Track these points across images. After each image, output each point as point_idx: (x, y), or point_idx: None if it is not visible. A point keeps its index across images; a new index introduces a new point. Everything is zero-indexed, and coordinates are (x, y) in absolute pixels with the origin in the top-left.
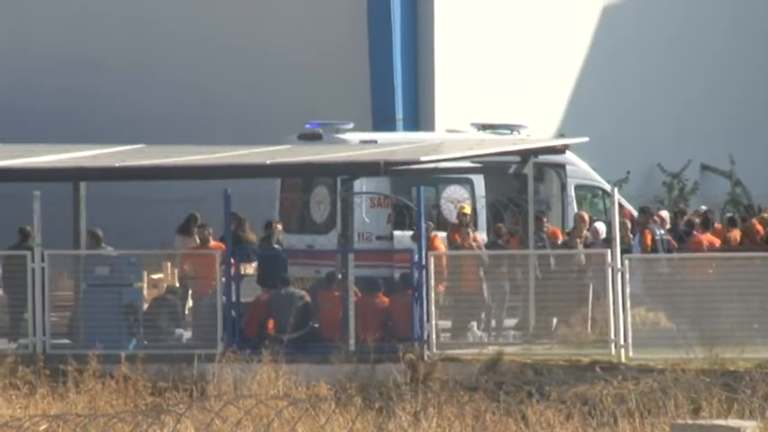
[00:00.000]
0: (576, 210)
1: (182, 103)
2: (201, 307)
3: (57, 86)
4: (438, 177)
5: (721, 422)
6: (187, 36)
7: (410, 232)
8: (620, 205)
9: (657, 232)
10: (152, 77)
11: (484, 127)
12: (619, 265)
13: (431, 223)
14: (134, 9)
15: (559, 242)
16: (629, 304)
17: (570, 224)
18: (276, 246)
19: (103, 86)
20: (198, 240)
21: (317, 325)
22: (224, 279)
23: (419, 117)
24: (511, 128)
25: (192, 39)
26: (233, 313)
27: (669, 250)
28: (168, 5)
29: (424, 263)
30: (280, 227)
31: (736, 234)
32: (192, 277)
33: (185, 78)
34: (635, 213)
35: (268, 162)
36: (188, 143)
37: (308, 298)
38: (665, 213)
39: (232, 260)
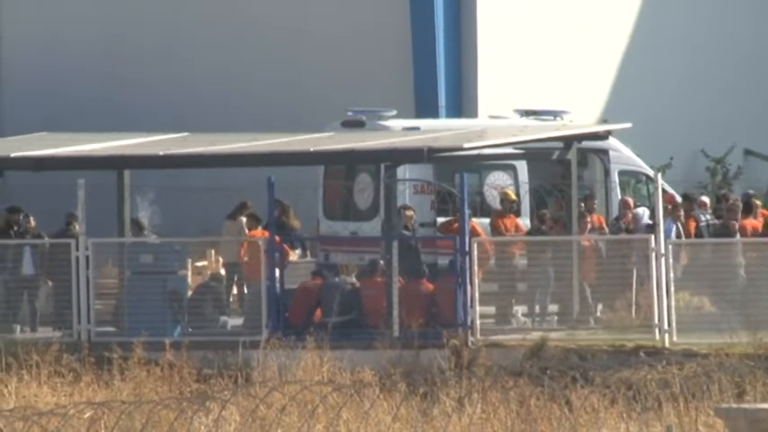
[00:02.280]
0: (619, 195)
1: (224, 92)
2: (247, 294)
3: (98, 75)
4: (481, 164)
5: (766, 405)
6: (229, 24)
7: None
8: (665, 191)
9: (702, 218)
10: (193, 66)
11: (527, 113)
12: (662, 250)
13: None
14: None
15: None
16: (672, 289)
17: (614, 210)
18: (405, 231)
19: (146, 75)
20: (246, 228)
21: (360, 312)
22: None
23: (462, 103)
24: (554, 114)
25: (234, 27)
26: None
27: (716, 235)
28: None
29: (467, 249)
30: (411, 213)
31: None
32: (237, 264)
33: (228, 67)
34: (678, 198)
35: (311, 149)
36: (231, 131)
37: (358, 285)
38: (705, 199)
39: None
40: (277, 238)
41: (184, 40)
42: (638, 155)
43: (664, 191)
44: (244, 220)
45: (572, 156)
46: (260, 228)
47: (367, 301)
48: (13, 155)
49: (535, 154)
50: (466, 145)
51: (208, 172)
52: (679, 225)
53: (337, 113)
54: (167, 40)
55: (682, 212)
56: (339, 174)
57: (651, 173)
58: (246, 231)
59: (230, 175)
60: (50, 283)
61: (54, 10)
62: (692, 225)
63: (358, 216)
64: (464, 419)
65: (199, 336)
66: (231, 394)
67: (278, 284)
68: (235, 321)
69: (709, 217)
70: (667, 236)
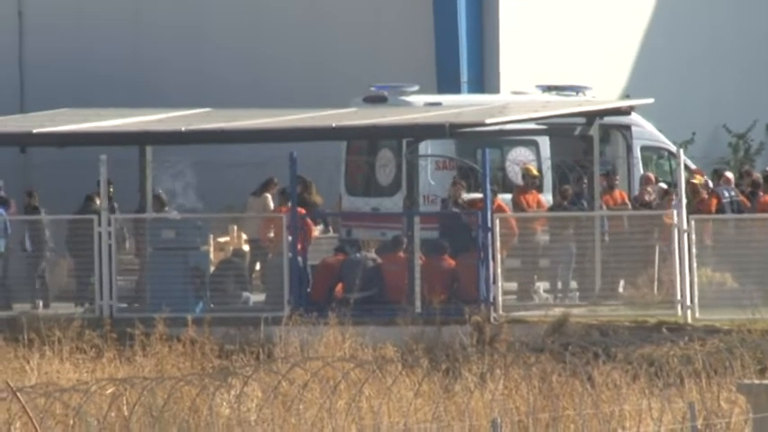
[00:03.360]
0: (641, 171)
1: (247, 67)
2: (269, 270)
3: (121, 51)
4: (503, 139)
5: None
6: (253, 1)
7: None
8: (686, 165)
9: (726, 194)
10: (216, 42)
11: (549, 89)
12: (684, 226)
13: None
14: None
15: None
16: (695, 265)
17: (636, 185)
18: (455, 207)
19: (167, 51)
20: (271, 204)
21: (382, 288)
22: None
23: (484, 79)
24: (576, 89)
25: (258, 4)
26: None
27: (740, 211)
28: None
29: (489, 225)
30: (459, 187)
31: None
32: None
33: (249, 42)
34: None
35: (334, 125)
36: (253, 107)
37: (380, 261)
38: (729, 174)
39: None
40: (301, 211)
41: (208, 17)
42: (660, 130)
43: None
44: (269, 196)
45: (594, 131)
46: (289, 204)
47: (389, 277)
48: (35, 130)
49: (557, 130)
50: (488, 121)
51: (230, 147)
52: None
53: (359, 89)
54: (191, 17)
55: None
56: (361, 149)
57: (673, 148)
58: (272, 207)
59: (252, 151)
60: (71, 259)
61: None
62: (714, 202)
63: (380, 192)
64: (486, 395)
65: (221, 312)
66: (253, 370)
67: (300, 260)
68: (257, 297)
69: (732, 193)
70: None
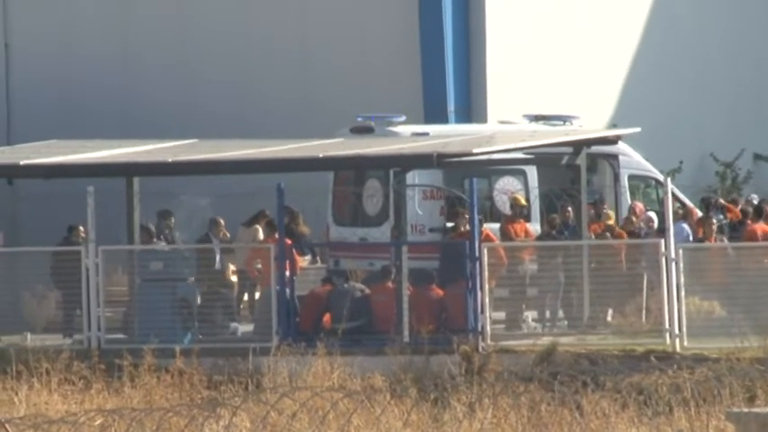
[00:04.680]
0: (629, 200)
1: (232, 98)
2: (257, 301)
3: (108, 84)
4: (491, 169)
5: None
6: (235, 31)
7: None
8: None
9: (714, 221)
10: (201, 73)
11: (536, 118)
12: (672, 255)
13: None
14: (179, 5)
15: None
16: (683, 294)
17: (624, 214)
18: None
19: (155, 83)
20: (261, 235)
21: (371, 318)
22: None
23: (471, 109)
24: (563, 119)
25: (240, 33)
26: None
27: (733, 233)
28: (216, 1)
29: (477, 254)
30: None
31: None
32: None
33: (235, 74)
34: (689, 203)
35: (320, 155)
36: (239, 138)
37: (367, 291)
38: (722, 201)
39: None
40: (288, 242)
41: (196, 50)
42: (647, 159)
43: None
44: (259, 228)
45: (581, 160)
46: (276, 235)
47: (377, 308)
48: (22, 162)
49: (545, 159)
50: (475, 150)
51: (216, 178)
52: (687, 227)
53: (346, 120)
54: (178, 49)
55: (695, 216)
56: (348, 180)
57: (661, 177)
58: (261, 238)
59: (239, 182)
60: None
61: (63, 18)
62: (700, 232)
63: (367, 222)
64: (475, 425)
65: (209, 343)
66: (242, 401)
67: (288, 291)
68: (245, 328)
69: (722, 217)
70: (679, 237)
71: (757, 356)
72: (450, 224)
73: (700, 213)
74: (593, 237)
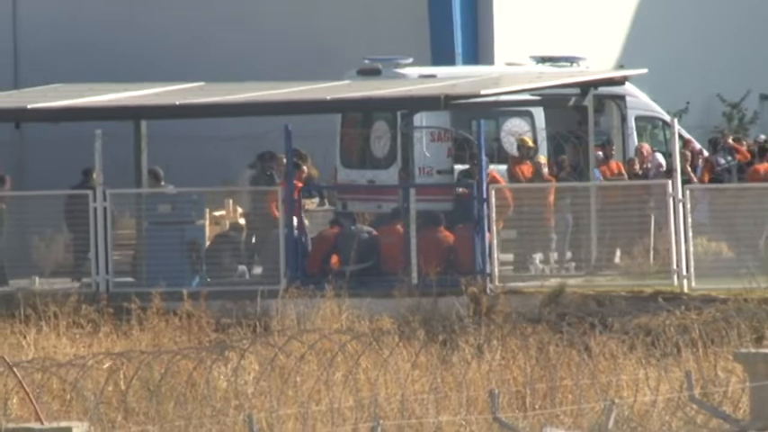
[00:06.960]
0: (636, 141)
1: (240, 42)
2: (265, 243)
3: (113, 25)
4: (498, 110)
5: None
6: None
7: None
8: (681, 136)
9: (721, 161)
10: (210, 15)
11: (543, 59)
12: (680, 196)
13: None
14: None
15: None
16: (690, 234)
17: (631, 155)
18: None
19: (162, 24)
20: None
21: (379, 260)
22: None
23: (478, 51)
24: (570, 60)
25: None
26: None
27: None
28: None
29: (484, 196)
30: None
31: None
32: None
33: (244, 17)
34: (697, 145)
35: (328, 98)
36: (247, 81)
37: (375, 233)
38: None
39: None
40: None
41: None
42: (654, 100)
43: (682, 136)
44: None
45: (588, 102)
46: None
47: (385, 250)
48: (29, 106)
49: (552, 100)
50: (483, 92)
51: (224, 121)
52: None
53: (354, 62)
54: None
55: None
56: (356, 122)
57: (668, 118)
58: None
59: (247, 125)
60: (69, 234)
61: None
62: (706, 175)
63: (375, 164)
64: (483, 366)
65: (217, 286)
66: (250, 343)
67: (296, 233)
68: (254, 270)
69: (730, 158)
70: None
71: (765, 297)
72: (458, 166)
73: (706, 153)
74: (602, 179)
